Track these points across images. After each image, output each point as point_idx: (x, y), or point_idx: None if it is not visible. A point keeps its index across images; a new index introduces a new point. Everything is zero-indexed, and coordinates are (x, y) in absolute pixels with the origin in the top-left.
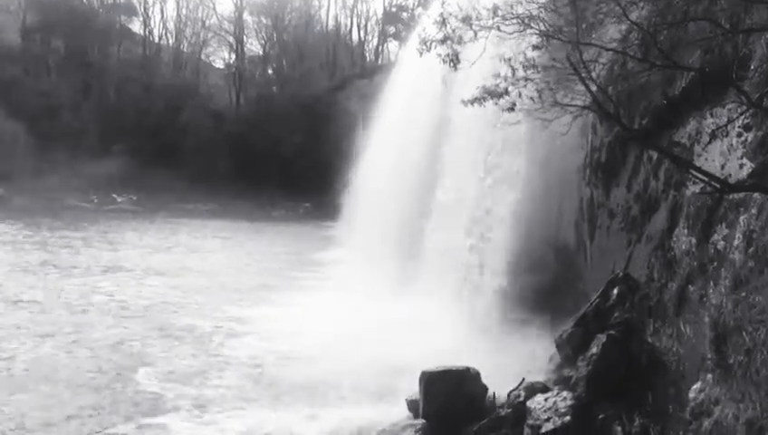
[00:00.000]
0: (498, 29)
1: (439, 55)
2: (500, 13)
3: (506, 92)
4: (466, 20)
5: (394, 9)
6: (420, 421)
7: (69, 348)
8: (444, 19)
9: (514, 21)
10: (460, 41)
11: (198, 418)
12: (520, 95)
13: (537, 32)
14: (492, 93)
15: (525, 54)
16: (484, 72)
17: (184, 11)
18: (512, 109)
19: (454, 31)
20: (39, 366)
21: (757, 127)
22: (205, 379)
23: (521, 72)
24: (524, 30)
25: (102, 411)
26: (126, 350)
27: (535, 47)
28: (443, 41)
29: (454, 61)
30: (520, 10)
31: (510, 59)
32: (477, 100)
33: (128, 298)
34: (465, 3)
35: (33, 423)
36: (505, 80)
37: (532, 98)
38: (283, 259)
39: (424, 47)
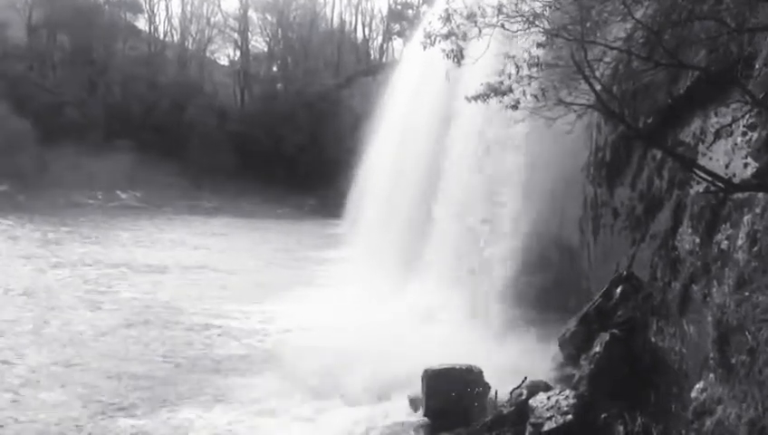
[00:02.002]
0: (503, 27)
1: (443, 51)
2: (505, 11)
3: (510, 90)
4: (471, 17)
5: (399, 7)
6: (422, 419)
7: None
8: (449, 15)
9: (519, 19)
10: (464, 37)
11: (195, 413)
12: (524, 93)
13: (542, 30)
14: (496, 91)
15: (530, 52)
16: (488, 69)
17: (189, 8)
18: (515, 107)
19: (458, 27)
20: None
21: (762, 126)
22: (195, 373)
23: (525, 70)
24: (529, 28)
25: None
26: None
27: (540, 45)
28: (447, 36)
29: (458, 57)
30: (525, 8)
31: (514, 56)
32: (481, 96)
33: (124, 294)
34: (470, 0)
35: None
36: (509, 77)
37: (535, 96)
38: (287, 257)
39: (428, 41)
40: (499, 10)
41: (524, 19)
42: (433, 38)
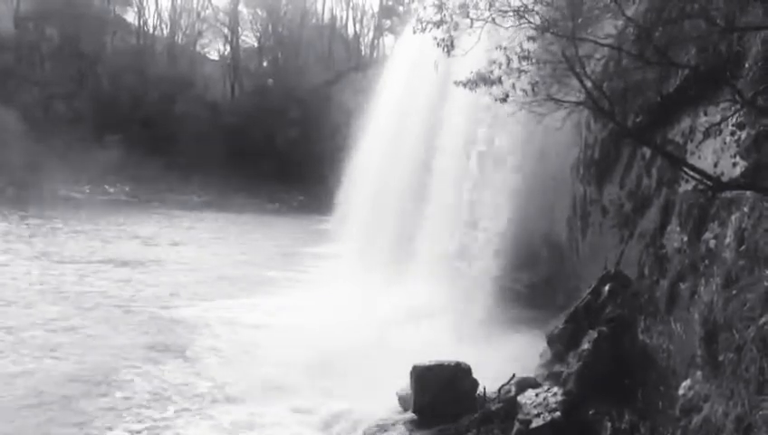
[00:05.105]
0: (494, 21)
1: (434, 38)
2: (496, 4)
3: (499, 81)
4: (463, 7)
5: (390, 2)
6: (411, 415)
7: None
8: (442, 2)
9: (510, 13)
10: (456, 27)
11: (192, 411)
12: (513, 86)
13: (533, 26)
14: (485, 80)
15: (521, 45)
16: (479, 66)
17: (179, 1)
18: (505, 99)
19: (451, 16)
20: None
21: (750, 125)
22: (185, 374)
23: (515, 63)
24: (520, 24)
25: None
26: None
27: (530, 38)
28: (438, 24)
29: (448, 46)
30: (516, 2)
31: (505, 48)
32: (470, 83)
33: (109, 290)
34: None
35: None
36: (499, 67)
37: (525, 90)
38: (276, 253)
39: (419, 27)
40: (490, 4)
41: (515, 13)
42: (424, 24)
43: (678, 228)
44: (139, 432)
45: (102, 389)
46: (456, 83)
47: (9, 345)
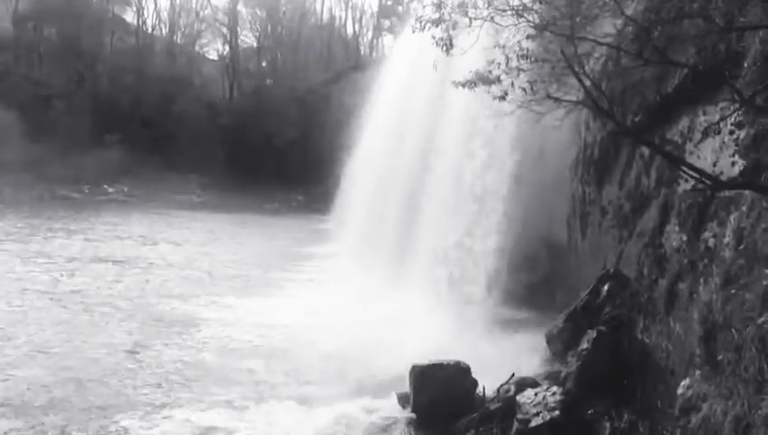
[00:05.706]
0: (492, 20)
1: (433, 38)
2: (495, 3)
3: (498, 80)
4: (462, 6)
5: (389, 2)
6: (410, 415)
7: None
8: (440, 1)
9: (509, 12)
10: (455, 26)
11: (166, 416)
12: (512, 85)
13: (532, 24)
14: (483, 79)
15: (520, 44)
16: (479, 66)
17: (178, 1)
18: (503, 98)
19: (449, 15)
20: None
21: (749, 125)
22: (179, 375)
23: (514, 62)
24: (519, 23)
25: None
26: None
27: (529, 37)
28: (437, 23)
29: (447, 45)
30: (515, 1)
31: (504, 46)
32: (469, 83)
33: (97, 289)
34: None
35: None
36: (498, 66)
37: (524, 89)
38: (272, 253)
39: (418, 25)
40: (489, 2)
41: (514, 12)
42: (423, 23)
43: (677, 228)
44: None
45: (68, 391)
46: (455, 84)
47: None
